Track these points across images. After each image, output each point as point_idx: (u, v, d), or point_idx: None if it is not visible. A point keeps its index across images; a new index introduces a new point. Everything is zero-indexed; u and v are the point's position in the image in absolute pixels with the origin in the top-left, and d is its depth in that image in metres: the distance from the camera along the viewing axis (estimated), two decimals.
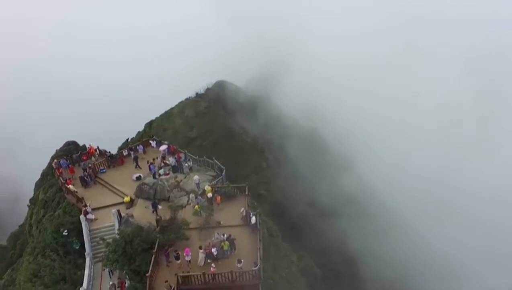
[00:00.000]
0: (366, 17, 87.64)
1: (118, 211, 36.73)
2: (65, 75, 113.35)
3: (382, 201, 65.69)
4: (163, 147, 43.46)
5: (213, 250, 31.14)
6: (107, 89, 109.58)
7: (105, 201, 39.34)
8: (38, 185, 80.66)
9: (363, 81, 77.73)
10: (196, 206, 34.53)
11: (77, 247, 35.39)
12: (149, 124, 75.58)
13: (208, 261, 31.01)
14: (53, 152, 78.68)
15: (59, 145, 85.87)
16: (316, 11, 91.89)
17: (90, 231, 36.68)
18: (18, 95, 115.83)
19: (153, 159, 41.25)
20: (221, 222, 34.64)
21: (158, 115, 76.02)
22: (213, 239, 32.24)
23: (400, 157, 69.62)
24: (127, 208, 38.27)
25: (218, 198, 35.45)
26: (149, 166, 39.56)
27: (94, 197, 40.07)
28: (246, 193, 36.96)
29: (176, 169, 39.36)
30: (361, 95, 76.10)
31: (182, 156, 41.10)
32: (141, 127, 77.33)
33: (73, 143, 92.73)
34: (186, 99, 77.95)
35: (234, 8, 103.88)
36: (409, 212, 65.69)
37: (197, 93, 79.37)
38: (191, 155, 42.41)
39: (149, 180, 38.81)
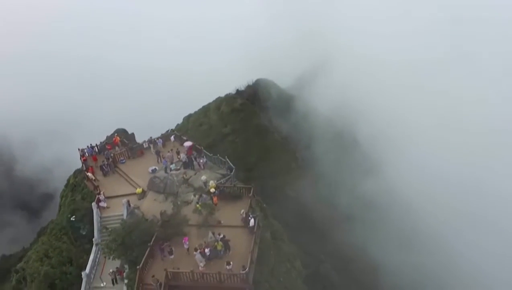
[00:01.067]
0: (412, 18, 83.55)
1: (128, 201, 37.21)
2: (121, 64, 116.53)
3: (409, 207, 62.77)
4: (188, 143, 43.33)
5: (206, 250, 30.68)
6: (160, 79, 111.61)
7: (119, 191, 39.98)
8: None
9: (404, 83, 74.36)
10: (198, 205, 34.17)
11: (84, 233, 36.08)
12: (188, 118, 76.55)
13: (201, 264, 30.46)
14: (104, 138, 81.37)
15: (111, 130, 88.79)
16: (361, 11, 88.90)
17: (101, 218, 37.33)
18: (80, 81, 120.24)
19: (169, 151, 41.44)
20: (222, 222, 34.14)
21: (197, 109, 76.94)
22: (207, 238, 31.70)
23: (432, 162, 66.07)
24: (139, 199, 38.70)
25: (215, 199, 34.87)
26: (162, 160, 39.71)
27: (110, 185, 40.85)
28: (251, 194, 35.94)
29: (187, 165, 39.21)
30: (399, 98, 72.89)
31: (194, 152, 40.88)
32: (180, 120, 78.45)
33: (123, 131, 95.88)
34: (226, 95, 78.06)
35: (282, 6, 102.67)
36: (437, 220, 62.32)
37: (237, 90, 79.13)
38: (206, 152, 42.10)
39: (161, 173, 39.03)
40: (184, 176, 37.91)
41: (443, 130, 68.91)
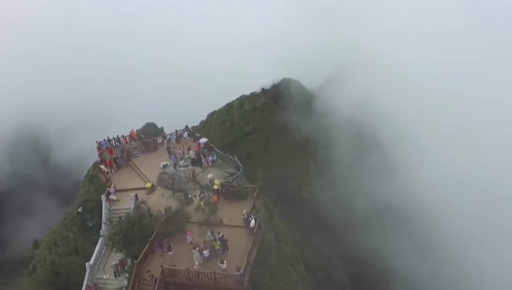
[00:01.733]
0: (438, 19, 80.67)
1: (136, 195, 37.27)
2: (155, 60, 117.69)
3: (427, 212, 60.57)
4: (203, 140, 43.08)
5: (205, 252, 30.32)
6: (191, 74, 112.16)
7: (130, 184, 40.06)
8: None
9: (428, 85, 71.94)
10: (201, 202, 33.87)
11: (91, 224, 36.33)
12: (212, 115, 76.55)
13: (196, 262, 30.15)
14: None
15: (142, 124, 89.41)
16: (387, 11, 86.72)
17: (109, 210, 37.53)
18: (112, 74, 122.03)
19: (179, 148, 41.35)
20: (224, 221, 33.71)
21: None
22: (206, 237, 31.35)
23: (453, 167, 63.48)
24: (147, 194, 38.71)
25: (215, 197, 34.44)
26: (172, 156, 39.63)
27: (122, 178, 41.04)
28: (254, 195, 35.25)
29: (195, 162, 38.94)
30: (423, 100, 70.52)
31: (205, 149, 40.61)
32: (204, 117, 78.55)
33: (152, 125, 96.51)
34: (251, 93, 77.58)
35: (311, 6, 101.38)
36: (456, 226, 59.90)
37: (262, 89, 78.57)
38: (217, 150, 41.71)
39: (170, 169, 38.93)
40: (192, 173, 37.60)
41: (466, 134, 66.14)
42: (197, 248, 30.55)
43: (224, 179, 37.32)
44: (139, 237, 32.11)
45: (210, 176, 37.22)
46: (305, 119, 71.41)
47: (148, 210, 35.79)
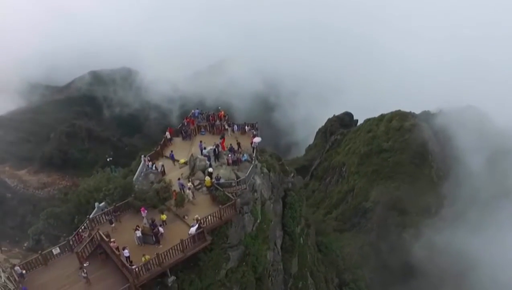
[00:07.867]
0: None
1: (162, 165, 38.38)
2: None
3: None
4: (258, 139, 40.73)
5: (139, 235, 29.82)
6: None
7: (177, 155, 41.09)
8: (317, 134, 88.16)
9: None
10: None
11: (116, 174, 39.23)
12: (366, 121, 69.60)
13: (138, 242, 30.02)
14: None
15: (341, 111, 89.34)
16: None
17: (146, 169, 39.83)
18: (347, 54, 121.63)
19: (220, 139, 39.83)
20: (186, 217, 32.01)
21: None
22: (143, 223, 30.59)
23: None
24: (180, 168, 39.32)
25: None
26: (198, 143, 38.72)
27: (177, 148, 42.41)
28: (222, 206, 31.65)
29: (213, 154, 37.09)
30: None
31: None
32: None
33: (348, 114, 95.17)
34: (422, 112, 66.40)
35: None
36: None
37: (428, 111, 66.54)
38: (253, 153, 38.31)
39: (197, 154, 38.22)
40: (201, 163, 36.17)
41: None
42: (140, 229, 30.27)
43: (226, 180, 34.59)
44: (117, 198, 33.64)
45: (214, 170, 35.15)
46: (461, 159, 57.40)
47: (159, 181, 36.65)
